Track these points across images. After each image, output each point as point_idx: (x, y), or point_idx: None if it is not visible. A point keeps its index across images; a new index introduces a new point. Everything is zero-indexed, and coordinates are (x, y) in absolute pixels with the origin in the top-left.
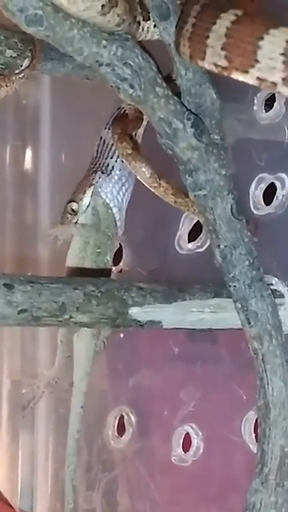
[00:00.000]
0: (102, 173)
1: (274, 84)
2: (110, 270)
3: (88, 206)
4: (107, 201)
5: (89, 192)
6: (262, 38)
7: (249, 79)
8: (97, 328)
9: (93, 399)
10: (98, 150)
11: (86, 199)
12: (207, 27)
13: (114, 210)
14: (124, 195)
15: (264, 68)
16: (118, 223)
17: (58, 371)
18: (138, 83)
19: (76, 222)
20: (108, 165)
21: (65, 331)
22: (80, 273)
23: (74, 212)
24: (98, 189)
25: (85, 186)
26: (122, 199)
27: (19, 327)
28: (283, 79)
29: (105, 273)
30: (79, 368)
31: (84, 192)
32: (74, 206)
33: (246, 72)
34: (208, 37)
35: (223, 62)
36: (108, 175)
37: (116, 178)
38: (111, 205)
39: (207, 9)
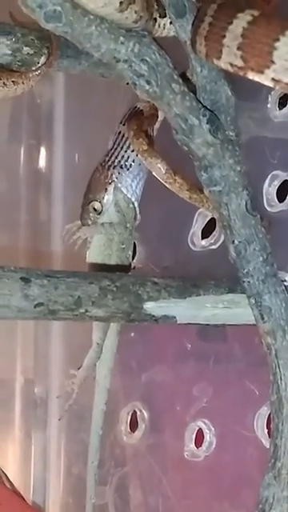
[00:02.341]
0: (121, 168)
1: None
2: (130, 265)
3: (110, 204)
4: (128, 195)
5: (110, 189)
6: (278, 40)
7: (264, 80)
8: (112, 322)
9: None
10: (115, 143)
11: (109, 197)
12: (224, 27)
13: (136, 204)
14: (141, 187)
15: (279, 69)
16: (138, 216)
17: (87, 371)
18: (154, 79)
19: (102, 223)
20: (128, 158)
21: (101, 334)
22: (103, 270)
23: (97, 211)
24: (118, 184)
25: (104, 183)
26: (139, 191)
27: (33, 325)
28: None
29: (127, 269)
30: (103, 365)
31: (105, 190)
32: (97, 205)
33: (262, 72)
34: (224, 36)
35: (239, 62)
36: (128, 169)
37: (135, 172)
38: (132, 199)
39: (224, 8)
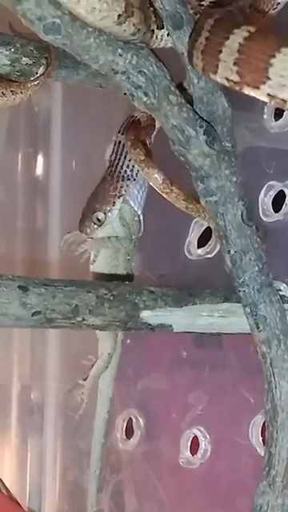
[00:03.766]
0: (129, 179)
1: (284, 101)
2: (133, 275)
3: (115, 217)
4: (135, 208)
5: (118, 203)
6: (274, 56)
7: (259, 95)
8: (108, 330)
9: None
10: (117, 153)
11: (116, 210)
12: (220, 42)
13: (141, 217)
14: (144, 197)
15: (275, 85)
16: (142, 228)
17: (95, 380)
18: (152, 91)
19: (109, 237)
20: (133, 167)
21: (113, 343)
22: (110, 280)
23: (100, 221)
24: (126, 197)
25: (113, 196)
26: (143, 202)
27: (29, 332)
28: None
29: (131, 278)
30: (107, 374)
31: (114, 203)
32: (100, 216)
33: (257, 88)
34: (221, 51)
35: (235, 77)
36: (134, 179)
37: (141, 181)
38: (139, 211)
39: (221, 23)
